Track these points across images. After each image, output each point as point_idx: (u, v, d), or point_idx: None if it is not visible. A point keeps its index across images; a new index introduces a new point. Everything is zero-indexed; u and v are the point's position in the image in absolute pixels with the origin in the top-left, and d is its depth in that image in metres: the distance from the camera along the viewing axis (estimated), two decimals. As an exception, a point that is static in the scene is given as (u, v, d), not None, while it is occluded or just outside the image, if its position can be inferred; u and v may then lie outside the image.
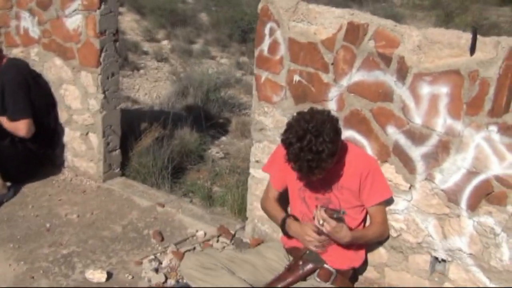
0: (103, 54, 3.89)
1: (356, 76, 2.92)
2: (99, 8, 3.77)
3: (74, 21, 3.90)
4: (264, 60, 3.23)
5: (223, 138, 5.85)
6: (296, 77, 3.12)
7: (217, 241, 3.53)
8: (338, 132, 2.74)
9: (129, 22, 10.71)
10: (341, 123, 2.81)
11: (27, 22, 4.16)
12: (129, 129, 4.50)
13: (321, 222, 2.73)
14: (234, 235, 3.57)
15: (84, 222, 3.66)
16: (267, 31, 3.18)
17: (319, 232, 2.79)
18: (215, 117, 6.08)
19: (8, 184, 3.90)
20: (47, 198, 3.92)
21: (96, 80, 3.93)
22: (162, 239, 3.52)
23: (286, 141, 2.70)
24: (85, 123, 4.08)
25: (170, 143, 4.65)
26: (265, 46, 3.20)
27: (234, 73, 7.91)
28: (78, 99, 4.06)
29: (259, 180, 3.41)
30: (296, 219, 2.95)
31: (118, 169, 4.27)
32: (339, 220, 2.74)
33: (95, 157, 4.13)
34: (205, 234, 3.59)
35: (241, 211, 3.89)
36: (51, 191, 4.03)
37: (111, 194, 4.04)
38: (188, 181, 4.67)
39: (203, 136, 5.34)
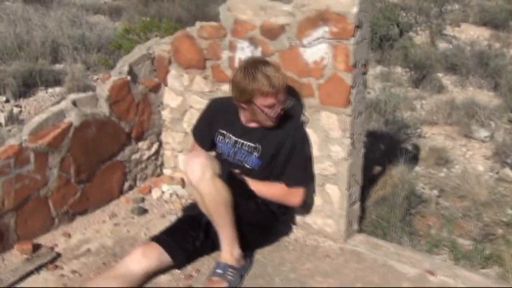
0: (353, 91, 3.17)
1: None
2: (353, 36, 3.05)
3: (315, 52, 3.20)
4: None
5: (417, 168, 5.08)
6: None
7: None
8: None
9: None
10: None
11: (245, 53, 3.48)
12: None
13: None
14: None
15: (354, 302, 2.96)
16: None
17: None
18: (399, 143, 5.31)
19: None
20: (290, 267, 3.23)
21: (344, 122, 3.22)
22: (464, 326, 2.78)
23: None
24: (323, 173, 3.38)
25: (401, 186, 3.91)
26: None
27: (384, 87, 7.11)
28: (316, 144, 3.35)
29: None
30: None
31: (356, 224, 3.55)
32: None
33: (334, 213, 3.42)
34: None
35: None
36: (288, 256, 3.34)
37: (362, 259, 3.31)
38: (420, 231, 3.92)
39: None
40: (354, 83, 3.16)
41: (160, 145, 4.08)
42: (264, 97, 3.08)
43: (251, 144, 3.28)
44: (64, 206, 3.52)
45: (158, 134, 4.04)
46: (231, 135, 3.35)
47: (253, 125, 3.28)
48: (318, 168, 3.38)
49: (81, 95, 3.57)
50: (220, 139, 3.40)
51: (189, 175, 2.98)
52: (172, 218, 3.64)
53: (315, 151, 3.36)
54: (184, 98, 3.87)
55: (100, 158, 3.68)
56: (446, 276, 3.15)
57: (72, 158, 3.48)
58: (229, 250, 3.08)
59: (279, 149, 3.23)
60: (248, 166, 3.30)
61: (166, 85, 3.95)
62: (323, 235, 3.50)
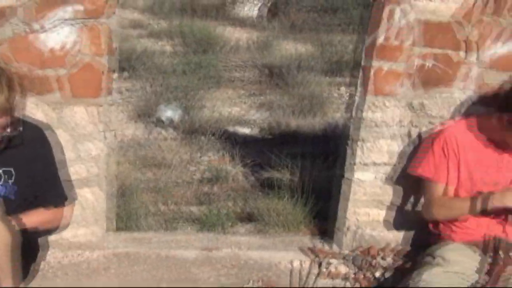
0: (105, 78, 2.80)
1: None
2: (104, 13, 2.67)
3: (58, 37, 2.67)
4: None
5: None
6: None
7: (328, 264, 3.07)
8: None
9: None
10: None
11: None
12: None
13: None
14: (330, 252, 3.17)
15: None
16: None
17: None
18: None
19: None
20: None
21: (94, 115, 2.82)
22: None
23: None
24: (77, 177, 2.91)
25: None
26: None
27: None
28: (69, 145, 2.85)
29: (361, 182, 3.08)
30: None
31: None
32: None
33: (98, 217, 3.02)
34: (301, 263, 3.08)
35: (297, 224, 3.43)
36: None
37: (144, 260, 3.03)
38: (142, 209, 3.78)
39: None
40: (107, 67, 2.79)
41: None
42: None
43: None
44: None
45: None
46: None
47: None
48: (72, 173, 2.89)
49: None
50: None
51: None
52: None
53: (69, 154, 2.86)
54: None
55: None
56: (224, 247, 3.17)
57: None
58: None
59: (33, 167, 2.58)
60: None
61: None
62: (85, 247, 3.04)
